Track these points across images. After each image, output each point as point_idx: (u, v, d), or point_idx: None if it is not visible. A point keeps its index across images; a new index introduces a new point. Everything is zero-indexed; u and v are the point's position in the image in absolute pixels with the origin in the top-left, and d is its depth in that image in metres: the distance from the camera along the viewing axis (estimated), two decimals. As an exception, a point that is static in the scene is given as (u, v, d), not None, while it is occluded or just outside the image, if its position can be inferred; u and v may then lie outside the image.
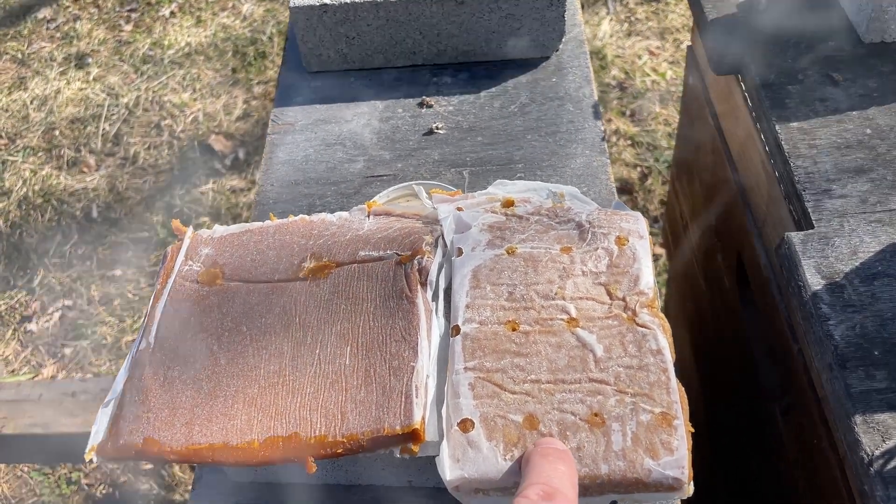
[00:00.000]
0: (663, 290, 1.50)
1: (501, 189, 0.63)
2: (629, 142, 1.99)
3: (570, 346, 0.51)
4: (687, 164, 1.13)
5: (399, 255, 0.57)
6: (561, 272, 0.55)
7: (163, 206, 1.96)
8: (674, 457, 0.46)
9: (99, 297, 1.80)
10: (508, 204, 0.60)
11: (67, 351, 1.72)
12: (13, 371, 1.70)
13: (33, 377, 1.68)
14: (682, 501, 0.56)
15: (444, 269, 0.57)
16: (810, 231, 0.65)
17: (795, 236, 0.65)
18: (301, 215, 0.63)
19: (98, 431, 0.53)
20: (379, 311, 0.54)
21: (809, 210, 0.67)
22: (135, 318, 1.76)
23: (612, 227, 0.57)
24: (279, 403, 0.51)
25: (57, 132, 2.16)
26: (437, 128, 0.84)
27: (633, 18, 2.33)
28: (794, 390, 0.74)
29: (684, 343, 1.21)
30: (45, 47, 2.42)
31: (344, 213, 0.62)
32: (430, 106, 0.87)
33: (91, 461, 0.52)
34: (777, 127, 0.73)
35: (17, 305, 1.82)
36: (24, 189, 2.03)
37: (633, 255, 0.56)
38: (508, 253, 0.56)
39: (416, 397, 0.49)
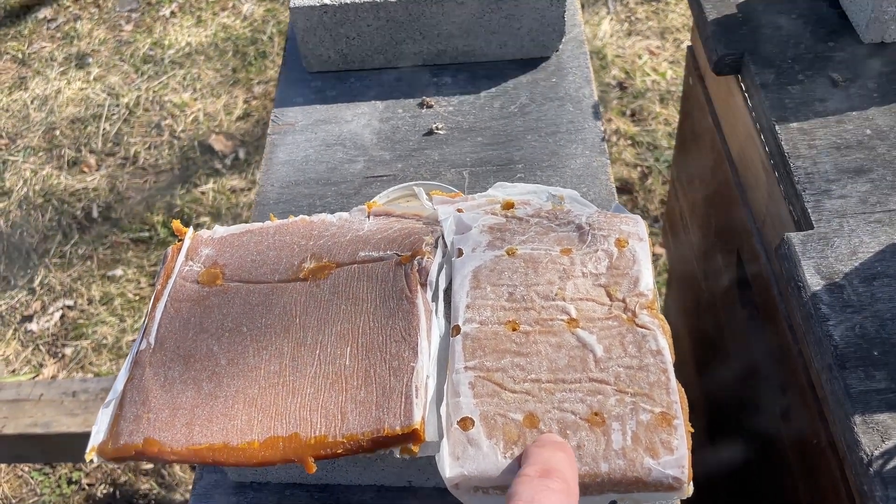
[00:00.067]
0: (663, 290, 1.50)
1: (501, 191, 0.63)
2: (629, 142, 1.99)
3: (571, 346, 0.51)
4: (687, 164, 1.13)
5: (399, 255, 0.57)
6: (561, 273, 0.55)
7: (163, 206, 1.96)
8: (674, 456, 0.46)
9: (99, 296, 1.81)
10: (508, 206, 0.60)
11: (68, 351, 1.72)
12: (13, 371, 1.70)
13: (34, 377, 1.68)
14: (682, 501, 0.56)
15: (444, 270, 0.57)
16: (810, 231, 0.66)
17: (795, 236, 0.65)
18: (301, 216, 0.63)
19: (99, 431, 0.53)
20: (379, 312, 0.54)
21: (809, 210, 0.67)
22: (135, 318, 1.76)
23: (612, 229, 0.58)
24: (279, 404, 0.51)
25: (57, 132, 2.17)
26: (437, 128, 0.84)
27: (633, 18, 2.33)
28: (794, 390, 0.74)
29: (684, 343, 1.21)
30: (45, 47, 2.42)
31: (344, 214, 0.62)
32: (430, 106, 0.87)
33: (92, 461, 0.52)
34: (777, 127, 0.74)
35: (18, 305, 1.82)
36: (25, 189, 2.03)
37: (633, 258, 0.56)
38: (509, 254, 0.56)
39: (416, 398, 0.49)
